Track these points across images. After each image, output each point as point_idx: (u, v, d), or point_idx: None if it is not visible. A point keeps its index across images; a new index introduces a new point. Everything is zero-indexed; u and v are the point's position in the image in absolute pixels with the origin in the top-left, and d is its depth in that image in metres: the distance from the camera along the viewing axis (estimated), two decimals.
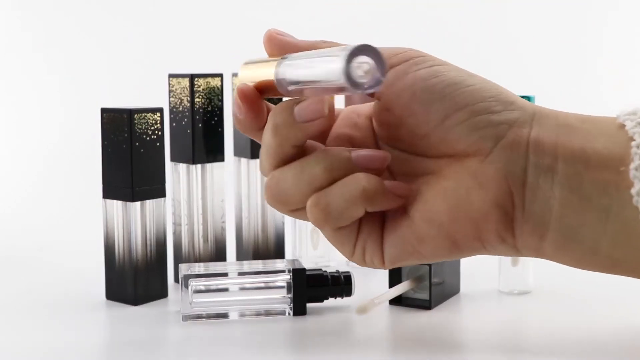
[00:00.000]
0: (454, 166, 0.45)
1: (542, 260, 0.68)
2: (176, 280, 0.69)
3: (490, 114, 0.44)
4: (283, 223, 0.74)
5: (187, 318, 0.58)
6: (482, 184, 0.44)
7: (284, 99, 0.47)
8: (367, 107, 0.49)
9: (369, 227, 0.46)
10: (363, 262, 0.47)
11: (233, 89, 0.73)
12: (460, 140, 0.44)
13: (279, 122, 0.45)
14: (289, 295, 0.59)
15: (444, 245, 0.45)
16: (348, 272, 0.61)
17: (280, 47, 0.47)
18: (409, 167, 0.47)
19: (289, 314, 0.59)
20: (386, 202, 0.45)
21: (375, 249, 0.46)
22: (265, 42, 0.48)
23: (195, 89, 0.68)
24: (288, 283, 0.59)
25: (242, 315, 0.59)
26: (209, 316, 0.59)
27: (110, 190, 0.63)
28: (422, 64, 0.45)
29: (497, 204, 0.44)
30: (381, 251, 0.46)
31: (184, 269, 0.59)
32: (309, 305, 0.60)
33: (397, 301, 0.61)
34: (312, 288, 0.60)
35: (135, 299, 0.63)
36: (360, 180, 0.44)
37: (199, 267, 0.60)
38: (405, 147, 0.47)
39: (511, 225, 0.44)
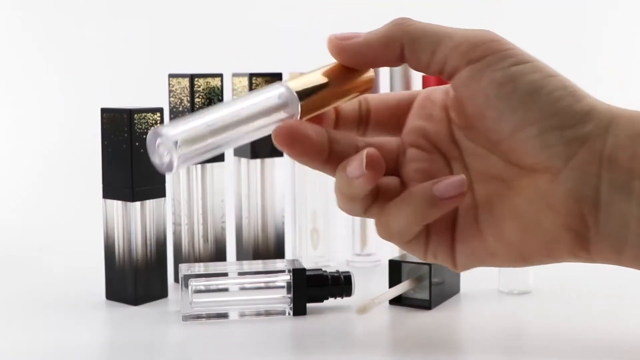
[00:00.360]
0: (525, 180, 0.43)
1: None
2: (176, 280, 0.69)
3: (562, 129, 0.42)
4: (283, 223, 0.74)
5: (187, 318, 0.58)
6: (553, 206, 0.42)
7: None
8: (443, 94, 0.47)
9: (437, 238, 0.46)
10: (437, 262, 0.47)
11: (233, 89, 0.73)
12: (530, 156, 0.43)
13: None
14: (289, 295, 0.59)
15: (514, 259, 0.44)
16: (348, 272, 0.61)
17: (349, 54, 0.46)
18: (485, 165, 0.45)
19: (289, 314, 0.59)
20: (441, 212, 0.44)
21: (446, 257, 0.46)
22: (332, 51, 0.47)
23: (195, 89, 0.68)
24: (288, 283, 0.59)
25: (242, 315, 0.59)
26: (209, 316, 0.59)
27: (110, 190, 0.63)
28: (500, 62, 0.43)
29: (568, 227, 0.42)
30: (453, 258, 0.46)
31: (184, 269, 0.59)
32: (309, 305, 0.60)
33: (397, 301, 0.61)
34: (312, 288, 0.60)
35: (135, 299, 0.63)
36: (410, 205, 0.44)
37: (199, 267, 0.60)
38: (482, 144, 0.45)
39: (585, 245, 0.42)
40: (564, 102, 0.42)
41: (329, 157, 0.45)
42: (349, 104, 0.48)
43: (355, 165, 0.43)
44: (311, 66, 0.75)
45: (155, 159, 0.41)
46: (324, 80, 0.45)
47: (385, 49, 0.45)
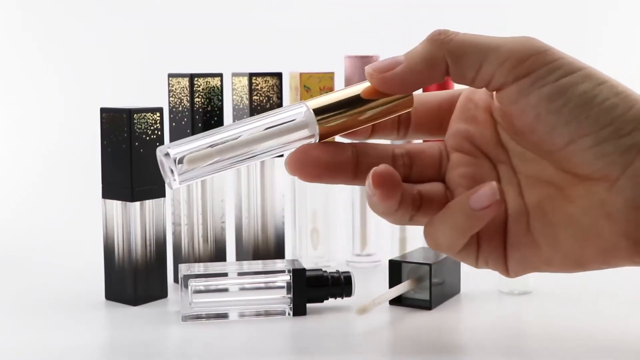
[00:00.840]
0: (580, 188, 0.43)
1: None
2: (176, 280, 0.69)
3: (618, 138, 0.41)
4: (283, 223, 0.74)
5: (186, 318, 0.58)
6: (611, 215, 0.42)
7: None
8: (486, 95, 0.46)
9: (488, 246, 0.45)
10: (489, 269, 0.46)
11: (233, 89, 0.73)
12: (585, 166, 0.42)
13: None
14: (289, 296, 0.59)
15: (570, 266, 0.44)
16: (348, 272, 0.61)
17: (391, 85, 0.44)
18: (535, 169, 0.45)
19: (289, 314, 0.59)
20: (481, 223, 0.43)
21: (499, 264, 0.45)
22: (377, 86, 0.45)
23: (195, 88, 0.68)
24: (288, 283, 0.59)
25: (242, 315, 0.59)
26: (209, 316, 0.59)
27: (110, 190, 0.63)
28: (549, 76, 0.42)
29: (627, 235, 0.41)
30: (505, 264, 0.45)
31: (183, 269, 0.59)
32: (308, 305, 0.60)
33: (397, 301, 0.61)
34: (312, 288, 0.60)
35: (135, 299, 0.63)
36: (451, 219, 0.43)
37: (199, 268, 0.60)
38: (531, 149, 0.44)
39: None
40: (617, 110, 0.41)
41: (358, 172, 0.45)
42: None
43: (368, 184, 0.43)
44: (311, 66, 0.75)
45: (164, 176, 0.42)
46: (355, 100, 0.44)
47: (430, 72, 0.43)
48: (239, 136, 0.42)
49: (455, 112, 0.47)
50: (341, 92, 0.45)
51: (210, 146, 0.42)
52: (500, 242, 0.45)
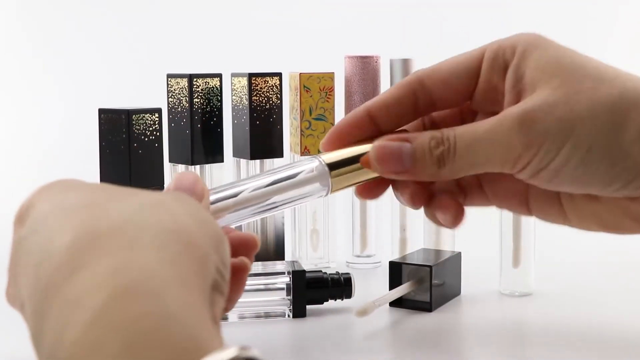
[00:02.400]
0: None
1: (543, 261, 0.68)
2: None
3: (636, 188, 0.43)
4: (283, 224, 0.73)
5: None
6: (635, 218, 0.44)
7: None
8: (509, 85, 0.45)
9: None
10: None
11: (232, 89, 0.73)
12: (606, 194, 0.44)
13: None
14: (289, 297, 0.59)
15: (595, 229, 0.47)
16: (348, 273, 0.61)
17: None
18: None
19: (289, 316, 0.59)
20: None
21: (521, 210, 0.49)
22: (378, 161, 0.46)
23: (194, 89, 0.68)
24: (287, 285, 0.59)
25: (242, 317, 0.59)
26: None
27: None
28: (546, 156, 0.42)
29: None
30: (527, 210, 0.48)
31: None
32: (308, 307, 0.60)
33: (397, 303, 0.61)
34: (311, 290, 0.59)
35: None
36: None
37: None
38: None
39: None
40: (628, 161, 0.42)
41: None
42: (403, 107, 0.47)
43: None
44: (311, 66, 0.75)
45: None
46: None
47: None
48: (257, 188, 0.44)
49: (476, 96, 0.47)
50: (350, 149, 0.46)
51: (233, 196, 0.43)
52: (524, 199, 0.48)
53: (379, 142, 0.45)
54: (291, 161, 0.76)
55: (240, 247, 0.41)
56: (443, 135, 0.43)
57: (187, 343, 0.27)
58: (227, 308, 0.41)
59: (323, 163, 0.45)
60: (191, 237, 0.32)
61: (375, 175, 0.46)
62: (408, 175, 0.45)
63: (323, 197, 0.46)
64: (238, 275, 0.40)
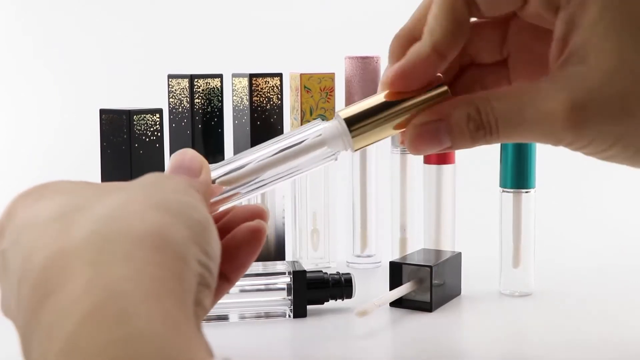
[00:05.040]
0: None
1: (544, 262, 0.68)
2: None
3: None
4: (283, 224, 0.73)
5: None
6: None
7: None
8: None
9: None
10: None
11: (233, 90, 0.73)
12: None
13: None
14: (289, 298, 0.59)
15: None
16: (349, 274, 0.61)
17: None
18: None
19: (289, 316, 0.59)
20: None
21: None
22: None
23: (194, 89, 0.68)
24: (288, 285, 0.59)
25: (242, 317, 0.59)
26: (209, 318, 0.58)
27: None
28: None
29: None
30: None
31: None
32: (309, 307, 0.60)
33: (398, 303, 0.61)
34: (312, 290, 0.60)
35: None
36: None
37: None
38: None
39: None
40: None
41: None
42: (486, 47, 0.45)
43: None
44: (311, 67, 0.75)
45: None
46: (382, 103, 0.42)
47: None
48: (272, 154, 0.42)
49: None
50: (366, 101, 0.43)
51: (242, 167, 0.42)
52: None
53: (414, 124, 0.42)
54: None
55: (250, 219, 0.40)
56: (481, 115, 0.40)
57: None
58: (235, 278, 0.40)
59: (342, 120, 0.42)
60: (164, 235, 0.31)
61: (396, 131, 0.43)
62: (446, 151, 0.43)
63: (336, 160, 0.43)
64: (255, 237, 0.39)
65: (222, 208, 0.43)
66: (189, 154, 0.39)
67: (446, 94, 0.42)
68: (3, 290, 0.34)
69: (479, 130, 0.40)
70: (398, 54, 0.43)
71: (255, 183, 0.42)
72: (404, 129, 0.42)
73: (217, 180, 0.41)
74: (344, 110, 0.42)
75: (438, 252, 0.66)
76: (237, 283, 0.58)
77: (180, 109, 0.69)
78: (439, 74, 0.43)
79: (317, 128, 0.43)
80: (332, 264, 0.76)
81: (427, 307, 0.60)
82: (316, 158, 0.43)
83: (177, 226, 0.32)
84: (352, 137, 0.42)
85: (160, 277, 0.29)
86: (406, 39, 0.43)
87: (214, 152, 0.70)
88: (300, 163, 0.43)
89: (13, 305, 0.32)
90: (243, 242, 0.39)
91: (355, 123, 0.42)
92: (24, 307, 0.30)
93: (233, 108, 0.73)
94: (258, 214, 0.41)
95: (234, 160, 0.42)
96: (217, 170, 0.42)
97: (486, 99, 0.40)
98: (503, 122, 0.40)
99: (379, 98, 0.42)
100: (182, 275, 0.31)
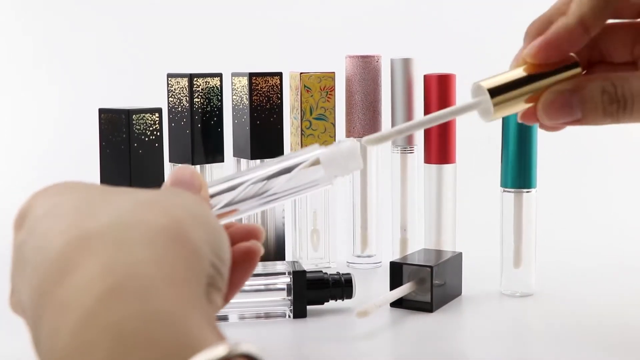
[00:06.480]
0: None
1: (544, 262, 0.68)
2: None
3: None
4: (283, 224, 0.73)
5: None
6: None
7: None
8: None
9: None
10: None
11: (232, 89, 0.73)
12: None
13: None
14: (289, 298, 0.59)
15: None
16: (349, 274, 0.61)
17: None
18: None
19: (289, 316, 0.59)
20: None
21: None
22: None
23: (194, 88, 0.68)
24: (288, 285, 0.59)
25: (242, 317, 0.59)
26: None
27: None
28: None
29: None
30: None
31: None
32: (309, 307, 0.59)
33: (398, 303, 0.61)
34: (312, 290, 0.59)
35: None
36: None
37: None
38: None
39: None
40: None
41: None
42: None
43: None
44: (311, 66, 0.75)
45: None
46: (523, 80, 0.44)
47: None
48: None
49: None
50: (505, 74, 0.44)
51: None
52: None
53: (549, 91, 0.44)
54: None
55: (246, 238, 0.41)
56: (617, 89, 0.42)
57: (174, 342, 0.26)
58: (229, 296, 0.40)
59: (485, 90, 0.43)
60: (182, 231, 0.32)
61: (527, 105, 0.44)
62: (574, 124, 0.44)
63: None
64: (249, 258, 0.40)
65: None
66: (190, 170, 0.40)
67: (580, 74, 0.44)
68: (15, 285, 0.35)
69: (612, 104, 0.42)
70: (535, 35, 0.45)
71: (253, 201, 0.43)
72: (532, 104, 0.44)
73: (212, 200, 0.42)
74: (485, 81, 0.44)
75: (439, 252, 0.66)
76: None
77: (179, 108, 0.69)
78: (573, 54, 0.45)
79: (315, 153, 0.44)
80: (332, 264, 0.76)
81: (427, 307, 0.60)
82: (312, 183, 0.45)
83: (195, 227, 0.33)
84: (494, 106, 0.43)
85: (178, 265, 0.30)
86: (544, 24, 0.46)
87: (213, 152, 0.70)
88: (293, 186, 0.44)
89: (25, 296, 0.33)
90: (237, 262, 0.39)
91: (497, 94, 0.43)
92: (37, 293, 0.30)
93: (233, 107, 0.73)
94: (254, 234, 0.41)
95: (229, 179, 0.43)
96: (213, 188, 0.42)
97: (623, 77, 0.43)
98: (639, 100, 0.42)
99: (518, 72, 0.44)
100: (196, 270, 0.31)
